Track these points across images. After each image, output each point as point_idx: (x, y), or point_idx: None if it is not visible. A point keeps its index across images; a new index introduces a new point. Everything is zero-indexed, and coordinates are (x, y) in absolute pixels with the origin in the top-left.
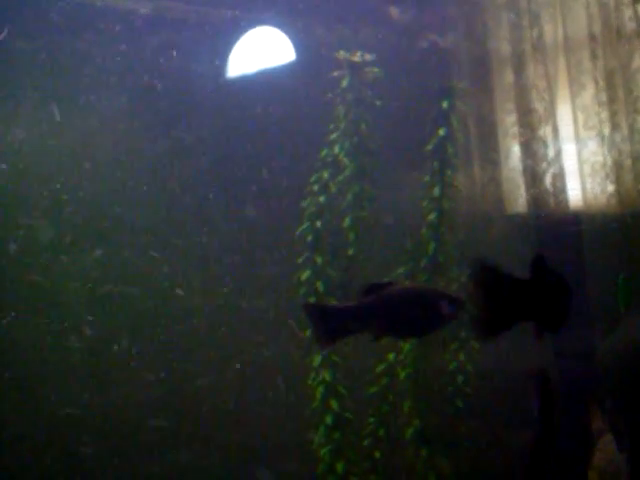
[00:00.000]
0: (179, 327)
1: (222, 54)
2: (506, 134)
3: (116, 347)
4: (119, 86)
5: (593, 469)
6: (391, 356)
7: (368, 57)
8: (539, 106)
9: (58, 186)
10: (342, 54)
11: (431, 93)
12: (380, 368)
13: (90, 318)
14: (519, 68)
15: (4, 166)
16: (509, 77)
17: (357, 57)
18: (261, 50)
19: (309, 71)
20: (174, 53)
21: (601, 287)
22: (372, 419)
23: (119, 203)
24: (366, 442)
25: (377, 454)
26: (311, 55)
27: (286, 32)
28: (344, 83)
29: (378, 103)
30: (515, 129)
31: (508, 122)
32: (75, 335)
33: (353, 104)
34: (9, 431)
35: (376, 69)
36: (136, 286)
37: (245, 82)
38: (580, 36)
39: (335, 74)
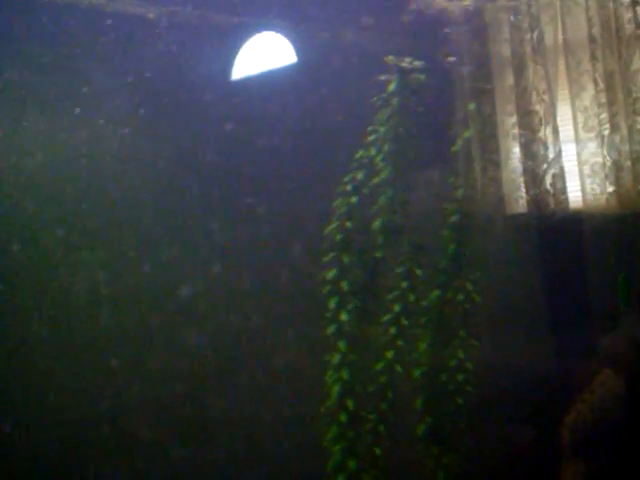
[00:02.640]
0: (185, 326)
1: (232, 58)
2: (506, 135)
3: (122, 346)
4: (124, 89)
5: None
6: (390, 353)
7: (417, 63)
8: (539, 108)
9: (63, 187)
10: (391, 59)
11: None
12: (380, 365)
13: (96, 317)
14: (519, 70)
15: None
16: (509, 79)
17: (406, 63)
18: (285, 52)
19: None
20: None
21: (601, 287)
22: (372, 415)
23: (124, 204)
24: (367, 439)
25: (377, 450)
26: (316, 58)
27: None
28: (391, 87)
29: (421, 109)
30: (515, 130)
31: (508, 123)
32: (82, 334)
33: (397, 109)
34: (14, 428)
35: (422, 76)
36: (142, 286)
37: (257, 83)
38: (580, 38)
39: (383, 78)
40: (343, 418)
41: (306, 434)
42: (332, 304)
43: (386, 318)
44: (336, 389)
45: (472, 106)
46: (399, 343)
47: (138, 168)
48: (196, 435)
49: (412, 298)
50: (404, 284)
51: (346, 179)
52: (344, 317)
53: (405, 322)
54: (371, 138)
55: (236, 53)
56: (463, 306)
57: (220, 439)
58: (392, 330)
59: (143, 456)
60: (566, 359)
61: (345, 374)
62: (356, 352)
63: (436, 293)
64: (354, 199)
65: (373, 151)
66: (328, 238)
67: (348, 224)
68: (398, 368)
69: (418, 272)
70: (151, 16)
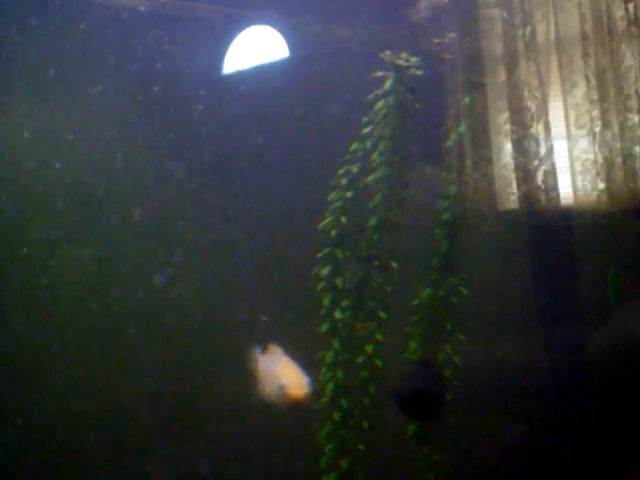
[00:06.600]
0: (177, 321)
1: (223, 51)
2: (498, 132)
3: (112, 340)
4: (116, 82)
5: None
6: (370, 348)
7: (412, 60)
8: (531, 104)
9: (53, 181)
10: (388, 55)
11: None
12: (359, 360)
13: (86, 312)
14: (511, 66)
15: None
16: (501, 75)
17: (402, 60)
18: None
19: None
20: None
21: (592, 283)
22: (356, 411)
23: (115, 198)
24: (351, 434)
25: (361, 446)
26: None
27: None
28: (387, 84)
29: (417, 106)
30: (507, 127)
31: (500, 120)
32: (71, 328)
33: (394, 107)
34: (8, 425)
35: (419, 72)
36: (132, 281)
37: (250, 77)
38: (572, 35)
39: (379, 74)
40: (336, 416)
41: (300, 431)
42: (326, 301)
43: (364, 312)
44: (330, 387)
45: (467, 100)
46: (378, 337)
47: (125, 161)
48: (186, 431)
49: (388, 291)
50: (380, 278)
51: (341, 172)
52: (338, 315)
53: (384, 315)
54: (366, 130)
55: (228, 46)
56: (451, 301)
57: (210, 436)
58: (371, 324)
59: (132, 450)
60: (556, 354)
61: (339, 372)
62: (350, 350)
63: (428, 291)
64: (349, 193)
65: (369, 144)
66: (322, 233)
67: (343, 219)
68: (378, 362)
69: (394, 264)
70: (142, 8)
